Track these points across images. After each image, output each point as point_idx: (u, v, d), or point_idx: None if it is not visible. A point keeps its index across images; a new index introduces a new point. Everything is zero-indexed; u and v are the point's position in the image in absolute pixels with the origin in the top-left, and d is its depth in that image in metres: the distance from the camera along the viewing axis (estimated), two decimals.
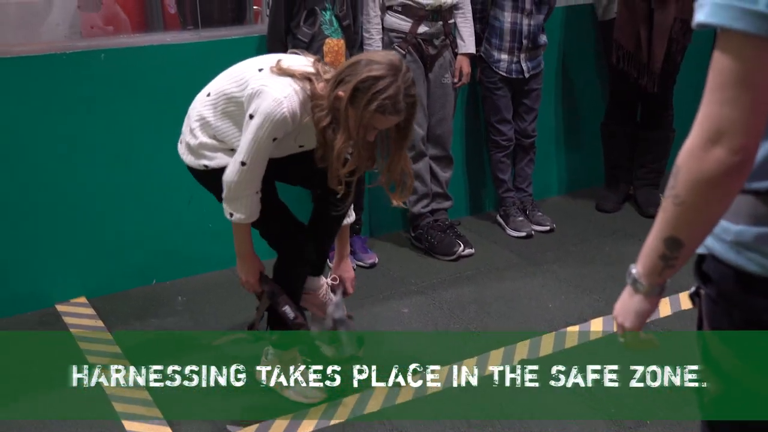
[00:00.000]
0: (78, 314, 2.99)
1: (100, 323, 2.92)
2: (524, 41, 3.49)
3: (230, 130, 2.25)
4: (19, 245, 2.92)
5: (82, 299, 3.07)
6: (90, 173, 2.98)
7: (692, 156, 1.06)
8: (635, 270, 1.23)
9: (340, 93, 2.10)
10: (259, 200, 2.25)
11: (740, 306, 1.16)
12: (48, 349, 2.76)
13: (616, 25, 3.62)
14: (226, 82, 2.27)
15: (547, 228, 3.73)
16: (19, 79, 2.79)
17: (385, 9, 3.29)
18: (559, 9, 3.72)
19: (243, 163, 2.16)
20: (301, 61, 2.25)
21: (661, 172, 3.96)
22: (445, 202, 3.59)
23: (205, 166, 2.31)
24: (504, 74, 3.55)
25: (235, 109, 2.23)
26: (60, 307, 3.02)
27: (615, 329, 1.29)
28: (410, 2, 3.25)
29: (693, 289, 1.25)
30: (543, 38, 3.57)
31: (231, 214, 2.25)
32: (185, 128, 2.37)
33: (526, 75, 3.56)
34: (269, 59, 2.26)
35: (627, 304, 1.25)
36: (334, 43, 3.02)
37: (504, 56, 3.52)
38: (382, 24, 3.28)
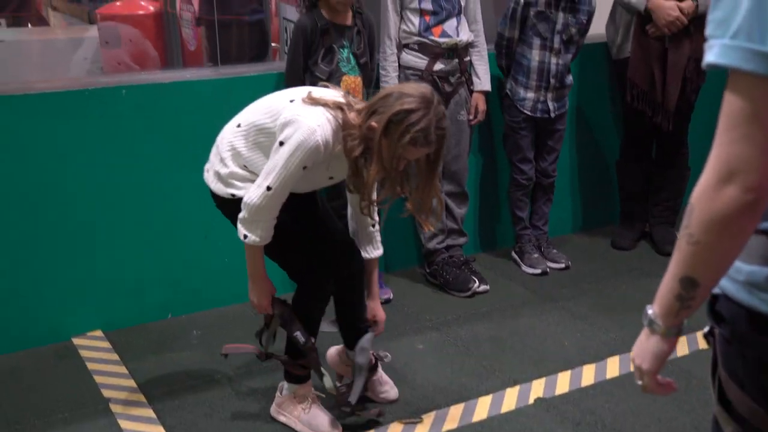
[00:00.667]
0: (94, 347, 3.00)
1: (115, 357, 2.93)
2: (552, 80, 3.51)
3: (261, 161, 2.26)
4: (36, 278, 2.94)
5: (98, 332, 3.08)
6: (109, 207, 3.01)
7: (705, 195, 1.05)
8: (651, 311, 1.22)
9: (373, 124, 2.13)
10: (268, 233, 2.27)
11: (753, 347, 1.14)
12: (63, 383, 2.77)
13: (630, 64, 3.65)
14: (257, 113, 2.30)
15: (563, 265, 3.73)
16: (42, 115, 2.84)
17: (402, 47, 3.33)
18: None
19: (269, 188, 2.17)
20: (331, 93, 2.29)
21: (676, 210, 3.95)
22: (460, 239, 3.59)
23: (233, 195, 2.32)
24: (529, 113, 3.55)
25: (265, 140, 2.25)
26: (76, 341, 3.03)
27: (633, 371, 1.29)
28: (426, 40, 3.29)
29: (707, 329, 1.24)
30: (569, 78, 3.59)
31: (245, 236, 2.25)
32: (214, 157, 2.40)
33: (552, 115, 3.58)
34: (300, 91, 2.30)
35: (644, 345, 1.24)
36: (351, 81, 3.06)
37: (530, 95, 3.54)
38: (399, 61, 3.32)
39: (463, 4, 3.34)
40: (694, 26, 3.50)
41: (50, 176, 2.89)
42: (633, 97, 3.67)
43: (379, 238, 2.54)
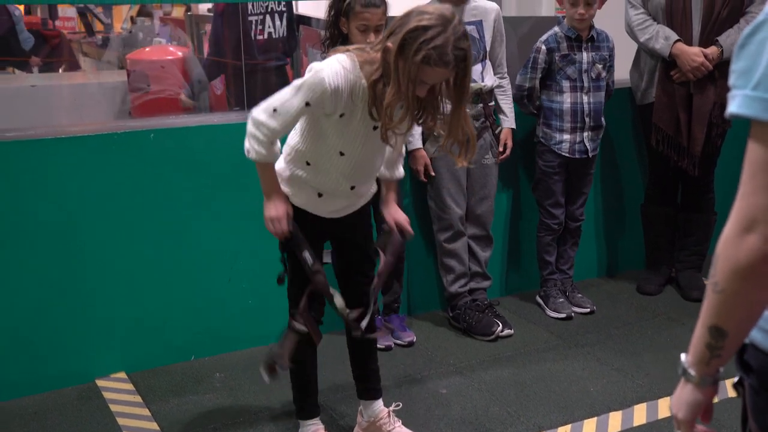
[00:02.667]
0: (117, 389, 3.00)
1: (138, 399, 2.93)
2: (586, 119, 3.52)
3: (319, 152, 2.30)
4: (61, 320, 2.96)
5: (122, 374, 3.09)
6: (134, 249, 3.03)
7: (728, 244, 1.07)
8: (684, 359, 1.22)
9: (389, 44, 2.07)
10: (277, 152, 2.27)
11: None
12: (87, 425, 2.76)
13: (654, 109, 3.65)
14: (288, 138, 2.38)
15: (588, 310, 3.69)
16: (72, 158, 2.89)
17: None
18: None
19: (275, 110, 2.18)
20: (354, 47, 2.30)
21: (703, 255, 3.91)
22: (483, 282, 3.58)
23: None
24: (567, 155, 3.55)
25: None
26: (100, 382, 3.03)
27: (662, 419, 1.28)
28: None
29: (737, 378, 1.22)
30: (603, 119, 3.61)
31: (248, 151, 2.24)
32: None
33: (590, 154, 3.58)
34: None
35: (680, 394, 1.23)
36: None
37: (566, 137, 3.54)
38: None
39: (488, 48, 3.38)
40: (719, 71, 3.51)
41: (76, 218, 2.92)
42: (658, 141, 3.66)
43: (401, 165, 2.51)
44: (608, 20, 3.92)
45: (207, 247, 3.14)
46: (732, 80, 1.09)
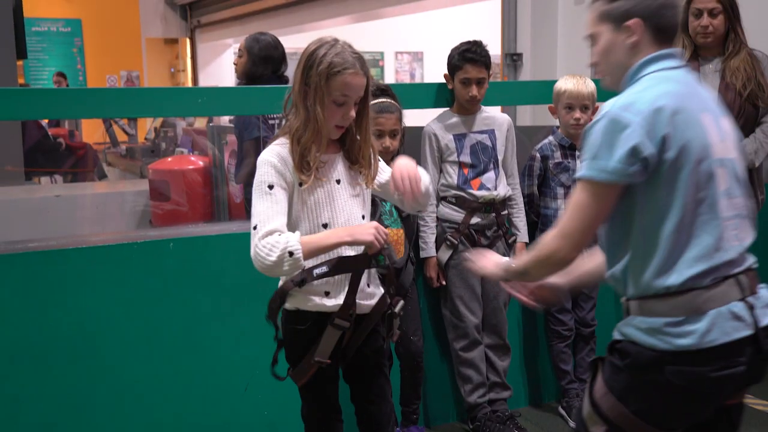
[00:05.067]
0: None
1: None
2: None
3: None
4: (74, 426, 2.91)
5: None
6: (151, 358, 3.01)
7: (547, 243, 1.85)
8: (510, 263, 2.02)
9: (295, 87, 2.20)
10: (290, 233, 2.16)
11: (651, 372, 1.76)
12: None
13: None
14: None
15: None
16: (93, 268, 2.90)
17: (440, 200, 3.40)
18: None
19: (255, 227, 2.15)
20: None
21: None
22: (503, 392, 3.50)
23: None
24: None
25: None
26: None
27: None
28: (464, 194, 3.35)
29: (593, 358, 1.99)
30: None
31: (290, 256, 2.10)
32: None
33: None
34: None
35: (494, 266, 2.09)
36: (394, 233, 3.10)
37: None
38: (436, 213, 3.38)
39: (500, 157, 3.42)
40: None
41: (94, 330, 2.90)
42: None
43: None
44: None
45: (225, 358, 3.11)
46: (582, 157, 1.81)
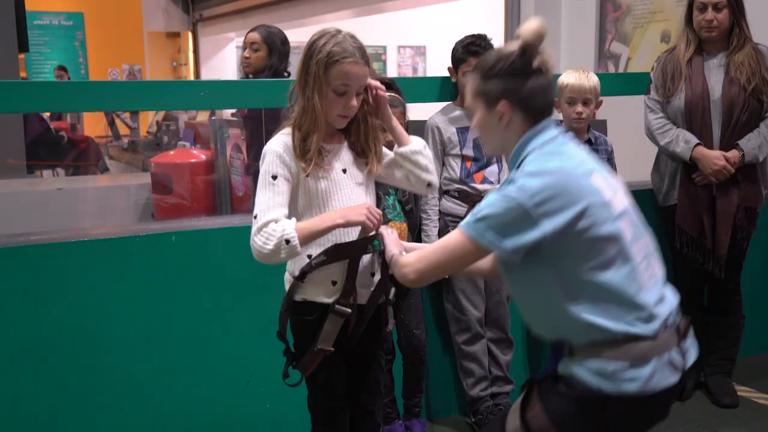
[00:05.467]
0: None
1: None
2: None
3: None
4: (75, 429, 2.91)
5: None
6: (152, 352, 3.00)
7: (396, 265, 2.08)
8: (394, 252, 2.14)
9: (297, 78, 2.20)
10: (287, 220, 2.16)
11: (593, 408, 1.85)
12: None
13: (678, 211, 3.63)
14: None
15: None
16: (94, 261, 2.89)
17: (442, 193, 3.38)
18: None
19: (255, 217, 2.16)
20: None
21: (732, 360, 3.80)
22: (506, 386, 3.49)
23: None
24: None
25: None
26: None
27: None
28: (467, 188, 3.34)
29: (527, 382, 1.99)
30: None
31: (287, 244, 2.12)
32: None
33: None
34: None
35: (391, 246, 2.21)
36: (397, 227, 3.09)
37: None
38: (439, 206, 3.37)
39: None
40: (741, 174, 3.51)
41: (95, 323, 2.90)
42: (682, 244, 3.63)
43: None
44: (633, 122, 3.96)
45: (227, 351, 3.10)
46: (474, 210, 1.91)
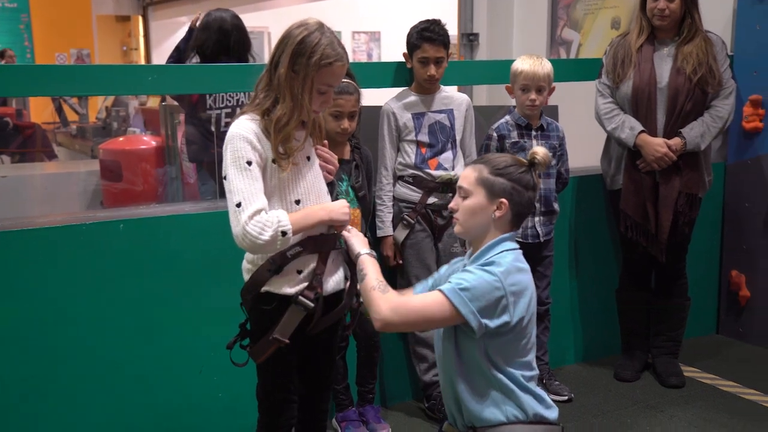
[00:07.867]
0: None
1: None
2: (537, 205, 3.53)
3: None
4: (29, 420, 2.85)
5: None
6: (104, 342, 2.95)
7: (372, 300, 2.14)
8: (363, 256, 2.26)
9: (281, 71, 2.15)
10: (280, 210, 2.18)
11: None
12: None
13: (622, 195, 3.69)
14: None
15: (566, 398, 3.63)
16: (40, 250, 2.83)
17: (397, 179, 3.38)
18: (571, 179, 3.80)
19: (238, 204, 2.13)
20: None
21: (678, 341, 3.89)
22: None
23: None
24: (519, 239, 3.56)
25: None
26: None
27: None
28: (421, 174, 3.34)
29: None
30: (556, 205, 3.62)
31: (282, 234, 2.13)
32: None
33: (542, 239, 3.57)
34: None
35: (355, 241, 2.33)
36: (351, 213, 3.07)
37: None
38: (393, 193, 3.37)
39: (458, 137, 3.42)
40: (684, 161, 3.58)
41: (43, 313, 2.84)
42: (627, 228, 3.69)
43: None
44: (584, 107, 4.00)
45: (178, 340, 3.07)
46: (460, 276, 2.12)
